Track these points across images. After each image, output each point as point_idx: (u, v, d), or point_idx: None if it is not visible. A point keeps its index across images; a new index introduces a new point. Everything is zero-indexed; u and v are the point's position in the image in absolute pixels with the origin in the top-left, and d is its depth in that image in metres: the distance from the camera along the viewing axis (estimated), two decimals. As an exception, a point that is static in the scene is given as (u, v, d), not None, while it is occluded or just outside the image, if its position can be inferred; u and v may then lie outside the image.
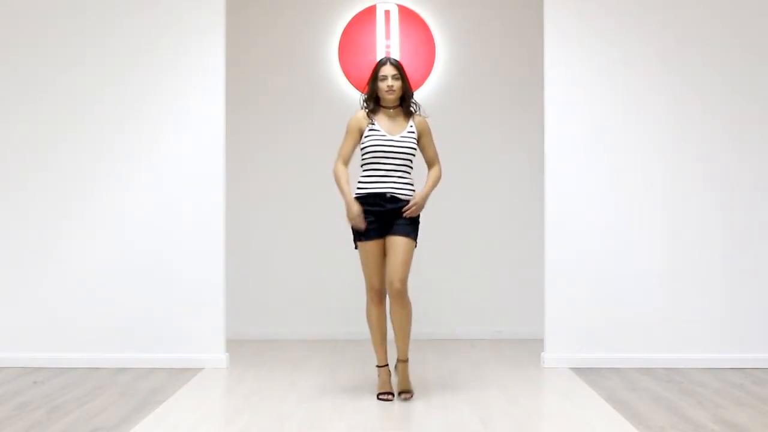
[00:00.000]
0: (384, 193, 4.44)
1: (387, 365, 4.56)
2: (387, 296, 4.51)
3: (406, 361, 4.53)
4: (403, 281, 4.40)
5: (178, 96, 5.45)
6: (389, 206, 4.44)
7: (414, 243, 4.48)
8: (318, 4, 6.66)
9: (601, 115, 5.49)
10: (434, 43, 6.61)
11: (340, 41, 6.60)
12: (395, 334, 4.50)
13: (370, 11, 6.61)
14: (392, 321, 4.48)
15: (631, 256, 5.45)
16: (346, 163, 4.55)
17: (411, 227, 4.48)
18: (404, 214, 4.44)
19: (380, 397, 4.44)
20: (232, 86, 5.79)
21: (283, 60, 6.65)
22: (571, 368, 5.33)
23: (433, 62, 6.61)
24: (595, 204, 5.47)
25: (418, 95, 6.51)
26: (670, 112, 5.48)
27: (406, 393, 4.45)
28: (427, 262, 6.52)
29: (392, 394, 4.45)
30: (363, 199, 4.46)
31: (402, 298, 4.41)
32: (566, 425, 4.07)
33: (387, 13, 6.58)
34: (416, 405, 4.37)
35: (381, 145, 4.46)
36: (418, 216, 4.53)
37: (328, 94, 6.60)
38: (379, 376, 4.56)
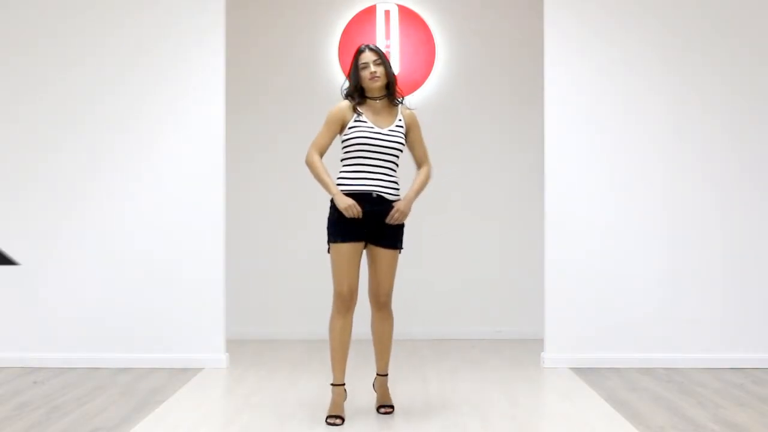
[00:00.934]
0: (370, 193, 4.10)
1: (343, 385, 4.17)
2: (354, 308, 4.17)
3: (386, 375, 4.31)
4: (389, 294, 4.21)
5: (178, 96, 5.46)
6: (376, 208, 4.09)
7: (400, 251, 4.20)
8: (318, 4, 6.66)
9: (601, 115, 5.49)
10: (434, 43, 6.61)
11: (340, 41, 6.60)
12: (377, 348, 4.28)
13: (370, 11, 6.61)
14: (374, 334, 4.27)
15: (631, 256, 5.45)
16: (322, 154, 4.16)
17: (397, 235, 4.17)
18: (387, 222, 4.10)
19: (329, 420, 4.02)
20: (232, 86, 5.79)
21: (283, 60, 6.65)
22: (571, 368, 5.33)
23: (433, 62, 6.61)
24: (595, 204, 5.47)
25: (419, 95, 6.53)
26: (670, 112, 5.49)
27: (387, 407, 4.22)
28: (427, 262, 6.53)
29: (342, 419, 4.04)
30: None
31: (387, 310, 4.23)
32: (566, 425, 4.07)
33: (387, 13, 6.58)
34: (416, 405, 4.37)
35: (368, 137, 4.08)
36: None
37: (328, 94, 6.59)
38: (332, 395, 4.15)
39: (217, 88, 5.44)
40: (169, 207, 5.42)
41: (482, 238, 6.62)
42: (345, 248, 4.10)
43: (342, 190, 4.10)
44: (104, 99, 5.46)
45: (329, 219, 4.16)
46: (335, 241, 4.12)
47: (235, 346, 5.83)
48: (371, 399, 4.48)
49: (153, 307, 5.41)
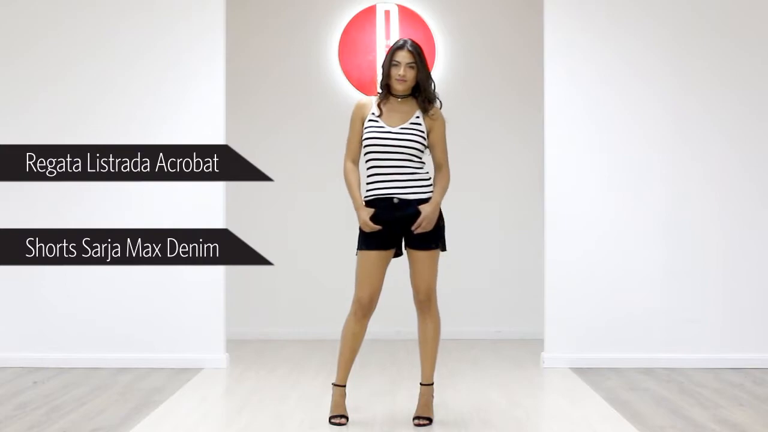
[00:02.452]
0: (390, 198, 3.94)
1: (345, 386, 4.07)
2: (371, 314, 4.05)
3: (431, 384, 4.09)
4: (429, 294, 4.05)
5: (178, 96, 5.46)
6: (399, 214, 3.93)
7: (439, 250, 4.06)
8: (318, 3, 6.65)
9: (601, 115, 5.49)
10: (434, 43, 6.60)
11: (340, 41, 6.60)
12: (422, 353, 4.09)
13: (370, 11, 6.61)
14: (419, 337, 4.10)
15: (630, 256, 5.45)
16: (355, 160, 4.03)
17: (433, 235, 3.99)
18: (414, 232, 3.94)
19: (333, 420, 3.99)
20: (231, 86, 5.79)
21: (282, 60, 6.65)
22: (571, 368, 5.33)
23: (433, 62, 6.60)
24: (595, 204, 5.47)
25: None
26: (670, 112, 5.49)
27: (424, 420, 4.00)
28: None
29: (346, 418, 4.02)
30: (370, 205, 3.98)
31: (429, 312, 4.07)
32: (566, 425, 4.07)
33: (387, 13, 6.58)
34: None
35: (377, 137, 3.93)
36: (440, 220, 4.04)
37: (328, 94, 6.60)
38: (333, 395, 4.06)
39: (217, 88, 5.43)
40: (169, 206, 5.41)
41: (482, 238, 6.62)
42: (371, 256, 3.97)
43: (367, 197, 4.00)
44: (104, 99, 5.46)
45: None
46: (361, 248, 3.99)
47: (235, 346, 5.83)
48: (369, 399, 4.48)
49: (153, 307, 5.42)
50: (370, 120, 3.99)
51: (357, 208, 3.98)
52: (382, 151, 3.95)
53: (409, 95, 4.03)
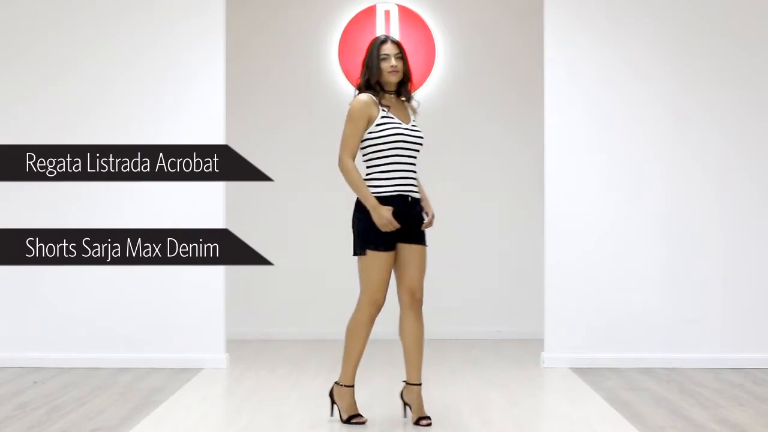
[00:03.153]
0: (406, 196, 3.94)
1: (353, 386, 4.07)
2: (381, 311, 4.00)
3: (420, 384, 4.05)
4: (422, 290, 4.03)
5: (178, 96, 5.46)
6: (408, 211, 3.95)
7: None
8: (318, 4, 6.66)
9: (601, 115, 5.49)
10: (434, 43, 6.61)
11: (340, 41, 6.60)
12: (409, 353, 4.02)
13: (370, 11, 6.61)
14: (407, 338, 4.01)
15: (630, 256, 5.46)
16: (355, 157, 3.95)
17: (423, 232, 4.04)
18: (424, 228, 4.01)
19: (354, 420, 4.00)
20: (232, 86, 5.80)
21: (283, 60, 6.65)
22: (571, 368, 5.33)
23: (433, 62, 6.61)
24: (595, 204, 5.47)
25: (418, 95, 6.50)
26: (670, 112, 5.49)
27: (425, 420, 3.97)
28: (427, 262, 6.51)
29: (363, 416, 4.06)
30: (385, 202, 3.90)
31: (419, 309, 4.02)
32: (566, 425, 4.07)
33: (387, 13, 6.58)
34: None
35: (401, 134, 3.91)
36: None
37: (328, 94, 6.60)
38: (344, 396, 4.04)
39: (217, 88, 5.44)
40: (169, 206, 5.42)
41: (482, 238, 6.62)
42: (384, 257, 3.91)
43: (376, 194, 3.90)
44: (104, 99, 5.46)
45: (363, 224, 3.92)
46: (377, 249, 3.90)
47: (235, 346, 5.83)
48: (369, 399, 4.47)
49: (153, 307, 5.42)
50: (385, 117, 3.94)
51: (374, 207, 3.86)
52: (408, 148, 3.96)
53: (395, 91, 4.05)
